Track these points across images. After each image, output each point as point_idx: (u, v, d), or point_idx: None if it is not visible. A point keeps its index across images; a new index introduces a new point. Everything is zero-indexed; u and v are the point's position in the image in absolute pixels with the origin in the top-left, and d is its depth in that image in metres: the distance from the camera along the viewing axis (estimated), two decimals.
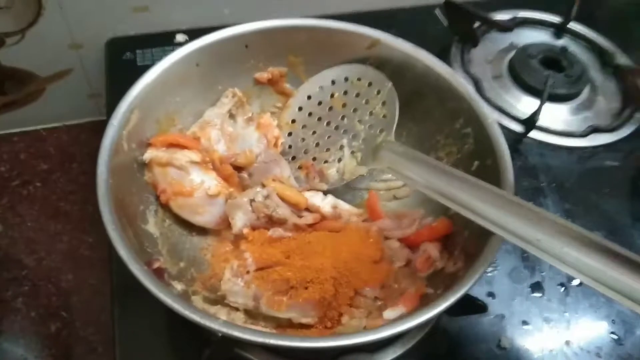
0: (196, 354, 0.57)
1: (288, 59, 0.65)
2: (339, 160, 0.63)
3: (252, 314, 0.50)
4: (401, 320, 0.42)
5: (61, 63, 0.92)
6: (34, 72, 0.92)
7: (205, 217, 0.57)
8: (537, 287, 0.67)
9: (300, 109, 0.65)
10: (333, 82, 0.64)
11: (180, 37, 0.87)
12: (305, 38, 0.63)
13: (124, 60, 0.85)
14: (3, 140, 0.96)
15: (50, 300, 0.82)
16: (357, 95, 0.62)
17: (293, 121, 0.65)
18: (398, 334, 0.41)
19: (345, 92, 0.63)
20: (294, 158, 0.65)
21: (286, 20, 0.63)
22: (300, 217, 0.56)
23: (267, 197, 0.55)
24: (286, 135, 0.65)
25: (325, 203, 0.57)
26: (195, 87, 0.61)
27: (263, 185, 0.57)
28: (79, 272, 0.85)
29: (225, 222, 0.57)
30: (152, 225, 0.54)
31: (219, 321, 0.41)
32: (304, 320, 0.49)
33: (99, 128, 0.53)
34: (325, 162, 0.63)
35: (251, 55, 0.63)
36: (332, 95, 0.64)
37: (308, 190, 0.60)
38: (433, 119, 0.62)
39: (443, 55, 0.89)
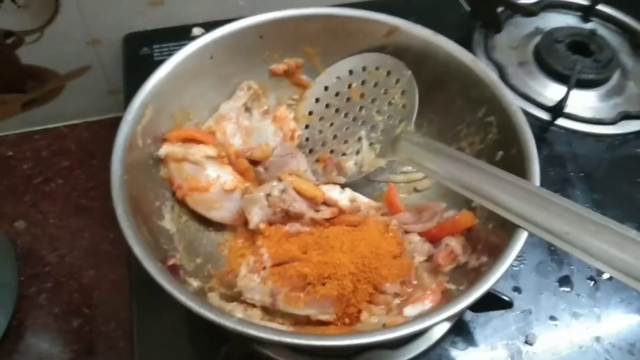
0: (215, 350, 0.56)
1: (304, 49, 0.63)
2: (357, 152, 0.61)
3: (270, 311, 0.49)
4: (422, 318, 0.40)
5: (80, 60, 0.92)
6: (54, 70, 0.92)
7: (222, 212, 0.56)
8: (565, 281, 0.64)
9: (317, 100, 0.63)
10: (350, 72, 0.62)
11: (196, 31, 0.86)
12: (320, 27, 0.62)
13: (141, 55, 0.85)
14: (25, 139, 0.97)
15: (72, 297, 0.82)
16: (376, 85, 0.61)
17: (310, 113, 0.64)
18: (418, 331, 0.40)
19: (363, 82, 0.61)
20: (311, 151, 0.63)
21: (301, 9, 0.61)
22: (318, 211, 0.55)
23: (283, 191, 0.54)
24: (303, 127, 0.63)
25: (343, 197, 0.56)
26: (210, 81, 0.60)
27: (279, 180, 0.56)
28: (100, 268, 0.85)
29: (242, 218, 0.56)
30: (168, 221, 0.54)
31: (234, 319, 0.40)
32: (322, 317, 0.48)
33: (119, 124, 0.52)
34: (343, 154, 0.62)
35: (266, 46, 0.62)
36: (349, 86, 0.62)
37: (325, 183, 0.59)
38: (454, 108, 0.60)
39: (465, 42, 0.86)
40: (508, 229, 0.46)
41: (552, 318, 0.61)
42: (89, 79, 0.95)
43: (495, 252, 0.46)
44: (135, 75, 0.81)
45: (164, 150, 0.55)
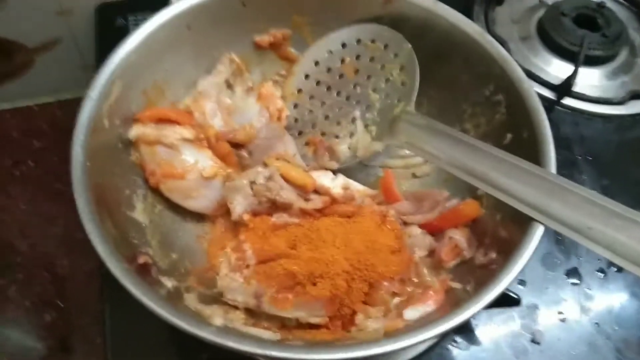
0: (198, 349, 0.51)
1: (292, 18, 0.57)
2: (351, 135, 0.56)
3: (254, 313, 0.44)
4: (427, 325, 0.36)
5: (49, 32, 0.86)
6: (21, 42, 0.85)
7: (200, 201, 0.50)
8: (573, 273, 0.60)
9: (306, 76, 0.58)
10: (344, 45, 0.56)
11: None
12: None
13: (116, 27, 0.79)
14: None
15: (45, 289, 0.77)
16: (372, 59, 0.55)
17: (299, 91, 0.58)
18: (425, 340, 0.35)
19: (358, 57, 0.56)
20: (300, 133, 0.58)
21: None
22: (308, 200, 0.49)
23: (269, 178, 0.49)
24: (291, 107, 0.58)
25: (335, 184, 0.51)
26: (187, 53, 0.54)
27: (265, 165, 0.50)
28: (75, 258, 0.80)
29: (223, 207, 0.50)
30: (140, 212, 0.48)
31: (211, 329, 0.35)
32: (313, 320, 0.43)
33: None
34: (336, 137, 0.56)
35: (250, 15, 0.56)
36: (342, 61, 0.56)
37: (316, 169, 0.53)
38: (458, 86, 0.55)
39: (464, 14, 0.81)
40: (520, 222, 0.42)
41: (560, 313, 0.57)
42: (60, 53, 0.89)
43: (506, 248, 0.42)
44: (109, 49, 0.75)
45: (135, 131, 0.49)
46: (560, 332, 0.56)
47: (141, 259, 0.42)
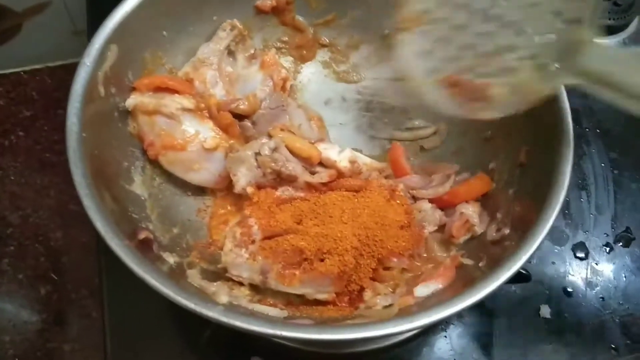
0: (200, 323, 0.50)
1: None
2: (507, 73, 0.39)
3: (259, 289, 0.43)
4: (443, 303, 0.34)
5: None
6: (8, 6, 0.81)
7: (202, 174, 0.49)
8: (580, 247, 0.59)
9: None
10: None
11: None
12: None
13: None
14: None
15: (39, 261, 0.76)
16: None
17: (424, 12, 0.41)
18: (441, 320, 0.34)
19: None
20: (432, 72, 0.41)
21: None
22: (313, 173, 0.48)
23: (274, 149, 0.47)
24: (416, 37, 0.41)
25: (342, 157, 0.49)
26: (186, 18, 0.52)
27: (269, 136, 0.48)
28: (69, 230, 0.78)
29: (226, 180, 0.49)
30: (139, 185, 0.46)
31: (218, 308, 0.33)
32: (320, 297, 0.42)
33: None
34: (485, 76, 0.40)
35: None
36: None
37: (321, 141, 0.51)
38: None
39: None
40: (535, 197, 0.40)
41: (565, 288, 0.56)
42: (49, 17, 0.85)
43: (520, 224, 0.41)
44: (101, 14, 0.71)
45: (132, 100, 0.47)
46: (566, 306, 0.55)
47: (142, 235, 0.41)
